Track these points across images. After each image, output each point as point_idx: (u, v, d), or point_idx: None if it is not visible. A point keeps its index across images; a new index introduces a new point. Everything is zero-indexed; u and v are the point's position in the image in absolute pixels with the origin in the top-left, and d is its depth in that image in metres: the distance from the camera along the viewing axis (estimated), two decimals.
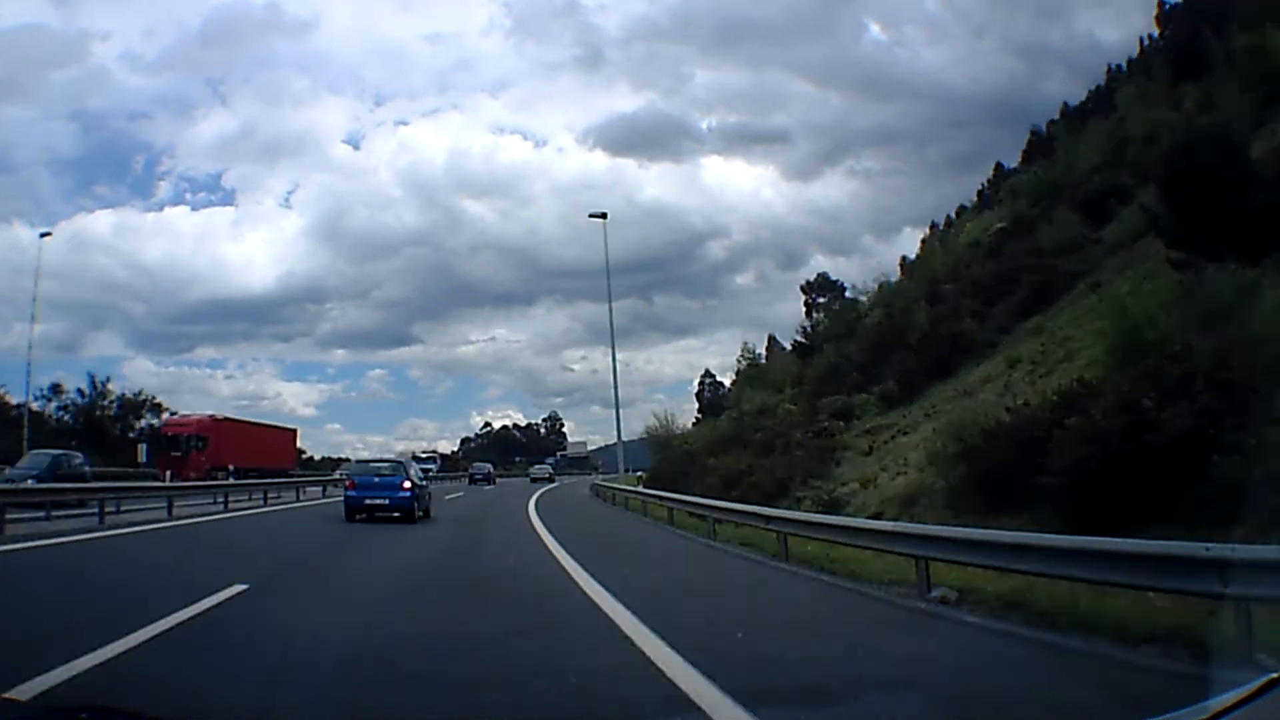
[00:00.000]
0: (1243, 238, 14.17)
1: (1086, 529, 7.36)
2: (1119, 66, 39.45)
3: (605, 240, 27.59)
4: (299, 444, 51.35)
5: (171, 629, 4.70)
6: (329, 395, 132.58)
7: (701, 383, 61.46)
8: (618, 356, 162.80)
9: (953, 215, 44.00)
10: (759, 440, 22.11)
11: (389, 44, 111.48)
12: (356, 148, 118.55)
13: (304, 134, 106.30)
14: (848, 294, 43.72)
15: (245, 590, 6.19)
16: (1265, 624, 3.67)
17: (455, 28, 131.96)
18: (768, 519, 9.37)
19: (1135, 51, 38.27)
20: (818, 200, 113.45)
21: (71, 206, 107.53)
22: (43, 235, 48.45)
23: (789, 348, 41.72)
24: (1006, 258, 24.88)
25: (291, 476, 33.33)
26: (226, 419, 37.28)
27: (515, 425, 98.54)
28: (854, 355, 28.26)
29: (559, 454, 77.36)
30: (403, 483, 15.32)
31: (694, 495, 17.90)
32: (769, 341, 47.99)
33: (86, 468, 18.67)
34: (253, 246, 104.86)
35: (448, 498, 26.15)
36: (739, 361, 47.90)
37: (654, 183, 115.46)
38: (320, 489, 27.07)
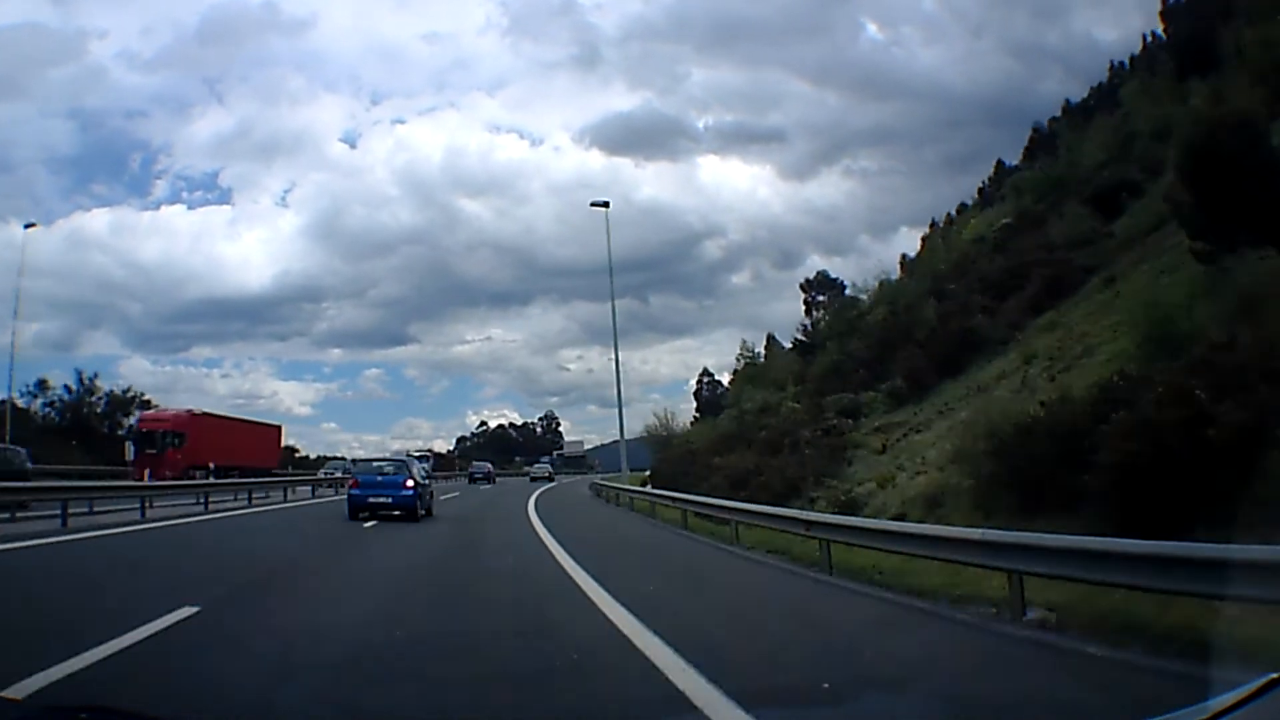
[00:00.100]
0: (1269, 225, 13.43)
1: (1136, 531, 6.56)
2: (1121, 63, 38.85)
3: (608, 229, 26.54)
4: (284, 441, 49.33)
5: (59, 680, 3.40)
6: (325, 394, 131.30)
7: (700, 382, 60.73)
8: (613, 357, 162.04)
9: (953, 213, 43.30)
10: (765, 439, 21.25)
11: (386, 43, 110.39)
12: (353, 146, 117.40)
13: (301, 133, 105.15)
14: (847, 292, 43.02)
15: (191, 616, 4.99)
16: None
17: (452, 27, 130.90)
18: (808, 524, 8.00)
19: (1138, 48, 37.60)
20: (814, 200, 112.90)
21: (69, 205, 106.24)
22: (27, 226, 46.54)
23: (789, 346, 40.91)
24: (1015, 253, 24.12)
25: (275, 475, 31.48)
26: (205, 414, 34.96)
27: (511, 424, 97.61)
28: (858, 353, 27.44)
29: (555, 453, 76.36)
30: (406, 481, 15.31)
31: (699, 495, 17.04)
32: (768, 340, 47.17)
33: (29, 465, 16.49)
34: (249, 245, 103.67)
35: (443, 498, 24.81)
36: (738, 360, 47.07)
37: (650, 182, 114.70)
38: (309, 489, 25.75)
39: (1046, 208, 26.44)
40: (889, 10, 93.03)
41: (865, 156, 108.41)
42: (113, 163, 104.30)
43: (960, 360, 21.18)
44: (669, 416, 43.27)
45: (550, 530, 12.30)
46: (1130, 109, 29.55)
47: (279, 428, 43.56)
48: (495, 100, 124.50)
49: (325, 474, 33.24)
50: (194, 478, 26.73)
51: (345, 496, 16.23)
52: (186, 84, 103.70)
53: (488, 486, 41.26)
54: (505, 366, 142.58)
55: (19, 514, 11.66)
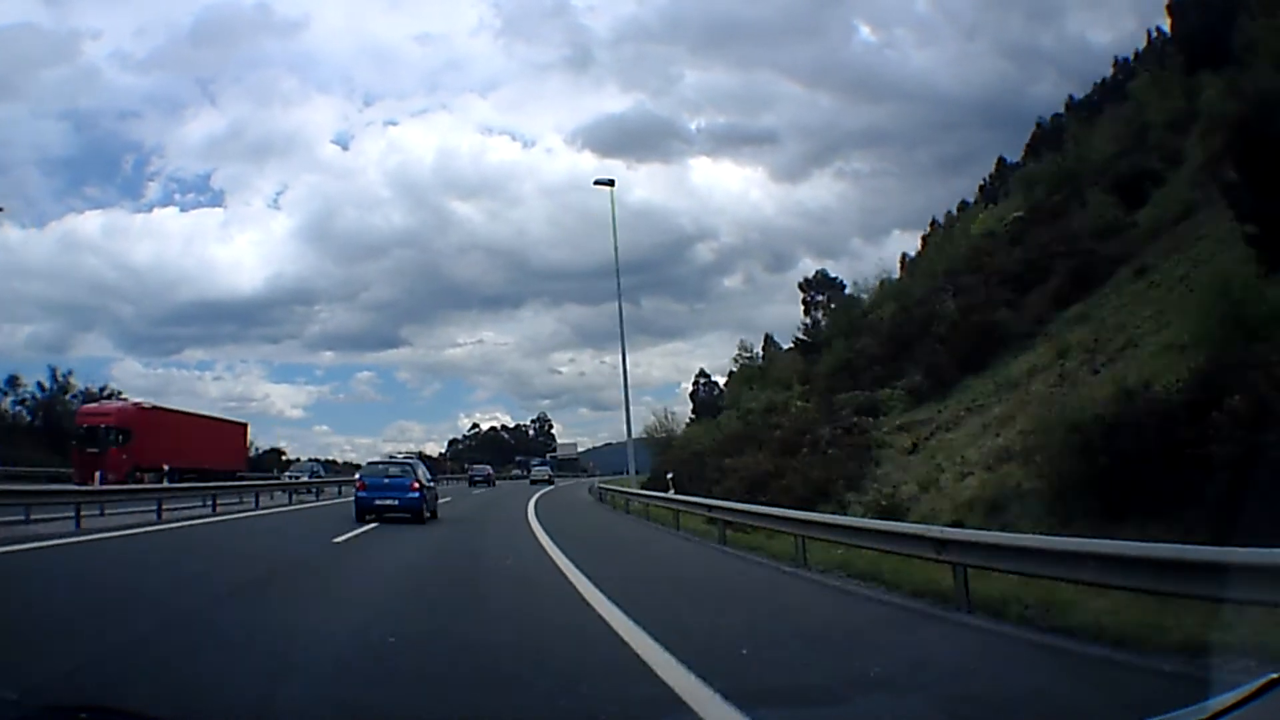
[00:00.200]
0: None
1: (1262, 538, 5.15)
2: (1126, 59, 38.10)
3: (613, 210, 24.72)
4: (276, 444, 46.66)
5: None
6: (317, 397, 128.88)
7: (696, 383, 59.29)
8: (606, 360, 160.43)
9: (954, 211, 42.29)
10: (779, 439, 19.77)
11: (378, 44, 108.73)
12: (345, 148, 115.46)
13: (293, 134, 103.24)
14: (847, 291, 41.88)
15: None
16: None
17: (445, 28, 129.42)
18: (940, 544, 5.43)
19: (1142, 45, 36.89)
20: (806, 202, 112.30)
21: (61, 207, 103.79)
22: None
23: (789, 346, 39.61)
24: (1034, 245, 22.87)
25: (243, 479, 27.66)
26: (156, 408, 30.60)
27: (504, 427, 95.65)
28: (869, 350, 26.07)
29: (549, 455, 74.54)
30: (412, 484, 15.37)
31: (709, 498, 15.52)
32: (765, 341, 45.90)
33: None
34: (241, 248, 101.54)
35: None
36: (735, 361, 45.72)
37: (642, 184, 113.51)
38: (287, 495, 22.94)
39: (1062, 200, 25.27)
40: (882, 12, 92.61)
41: (858, 158, 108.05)
42: (105, 164, 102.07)
43: (983, 355, 19.85)
44: (669, 418, 41.65)
45: (574, 561, 8.58)
46: (1142, 102, 28.56)
47: (244, 426, 39.43)
48: (487, 102, 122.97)
49: (291, 477, 30.14)
50: (142, 481, 23.81)
51: (319, 502, 16.59)
52: (179, 85, 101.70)
53: (480, 490, 39.49)
54: (497, 369, 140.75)
55: None
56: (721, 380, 57.06)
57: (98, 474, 23.07)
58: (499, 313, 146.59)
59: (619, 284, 24.06)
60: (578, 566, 7.91)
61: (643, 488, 30.27)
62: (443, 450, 78.85)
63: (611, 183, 24.53)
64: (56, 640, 4.25)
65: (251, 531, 12.81)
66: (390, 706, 3.39)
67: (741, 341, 46.81)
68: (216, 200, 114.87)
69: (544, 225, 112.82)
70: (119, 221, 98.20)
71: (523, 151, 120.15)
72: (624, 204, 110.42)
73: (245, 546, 10.57)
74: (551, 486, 43.03)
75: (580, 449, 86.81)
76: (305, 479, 29.21)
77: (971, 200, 41.84)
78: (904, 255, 43.19)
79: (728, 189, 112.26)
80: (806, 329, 38.52)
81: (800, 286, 44.65)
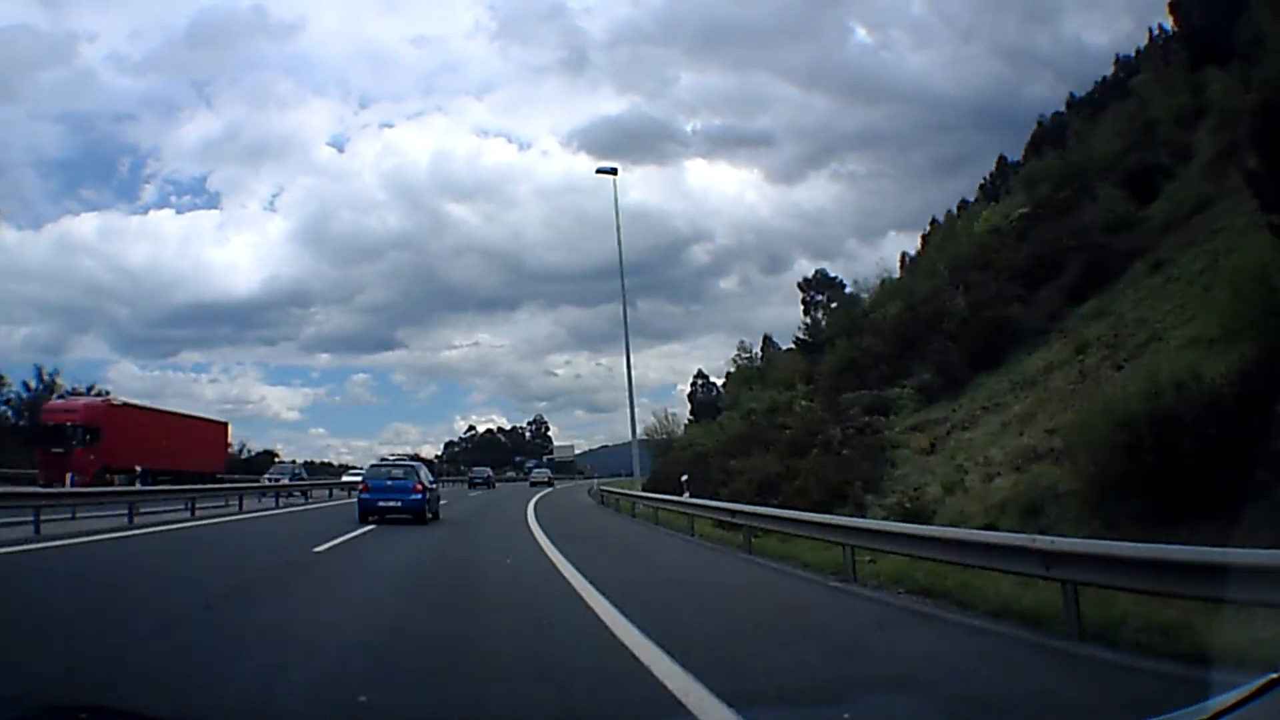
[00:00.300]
0: None
1: None
2: (1128, 57, 37.76)
3: (616, 200, 23.93)
4: (270, 446, 45.23)
5: None
6: (313, 399, 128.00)
7: (693, 384, 58.61)
8: (602, 362, 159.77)
9: (954, 210, 41.79)
10: (788, 438, 19.06)
11: (374, 46, 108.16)
12: (341, 150, 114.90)
13: (289, 137, 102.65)
14: (847, 291, 41.33)
15: None
16: None
17: (441, 30, 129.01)
18: (1048, 557, 4.48)
19: (1143, 43, 36.60)
20: (802, 204, 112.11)
21: (58, 209, 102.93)
22: None
23: (790, 347, 38.96)
24: (1043, 240, 22.28)
25: (221, 481, 26.22)
26: (126, 404, 28.68)
27: (500, 429, 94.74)
28: (874, 349, 25.43)
29: (545, 457, 73.68)
30: (414, 485, 15.34)
31: (732, 503, 14.77)
32: (764, 341, 45.27)
33: None
34: (237, 250, 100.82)
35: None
36: (734, 361, 45.07)
37: (638, 186, 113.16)
38: (274, 498, 21.60)
39: (1070, 195, 24.72)
40: (878, 14, 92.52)
41: (853, 160, 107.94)
42: (101, 166, 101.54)
43: (995, 352, 19.21)
44: (669, 418, 40.95)
45: (579, 568, 8.03)
46: (1146, 98, 28.10)
47: (224, 425, 36.75)
48: (483, 104, 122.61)
49: (270, 479, 27.93)
50: (112, 483, 22.21)
51: (307, 506, 16.20)
52: (175, 87, 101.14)
53: (474, 493, 38.69)
54: (493, 372, 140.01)
55: None
56: (719, 381, 56.42)
57: (69, 475, 21.64)
58: (495, 315, 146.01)
59: (623, 279, 23.28)
60: (601, 590, 6.42)
61: (643, 489, 29.51)
62: (439, 452, 77.92)
63: (614, 171, 23.77)
64: None
65: (226, 538, 11.61)
66: None
67: (741, 342, 46.26)
68: (212, 202, 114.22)
69: (540, 227, 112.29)
70: (115, 223, 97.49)
71: (518, 154, 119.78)
72: (620, 206, 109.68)
73: (213, 558, 9.18)
74: (551, 489, 42.71)
75: (577, 451, 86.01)
76: (285, 481, 27.24)
77: (972, 199, 41.35)
78: (904, 254, 42.74)
79: (723, 191, 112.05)
80: (807, 328, 37.89)
81: (800, 286, 44.09)
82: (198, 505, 15.66)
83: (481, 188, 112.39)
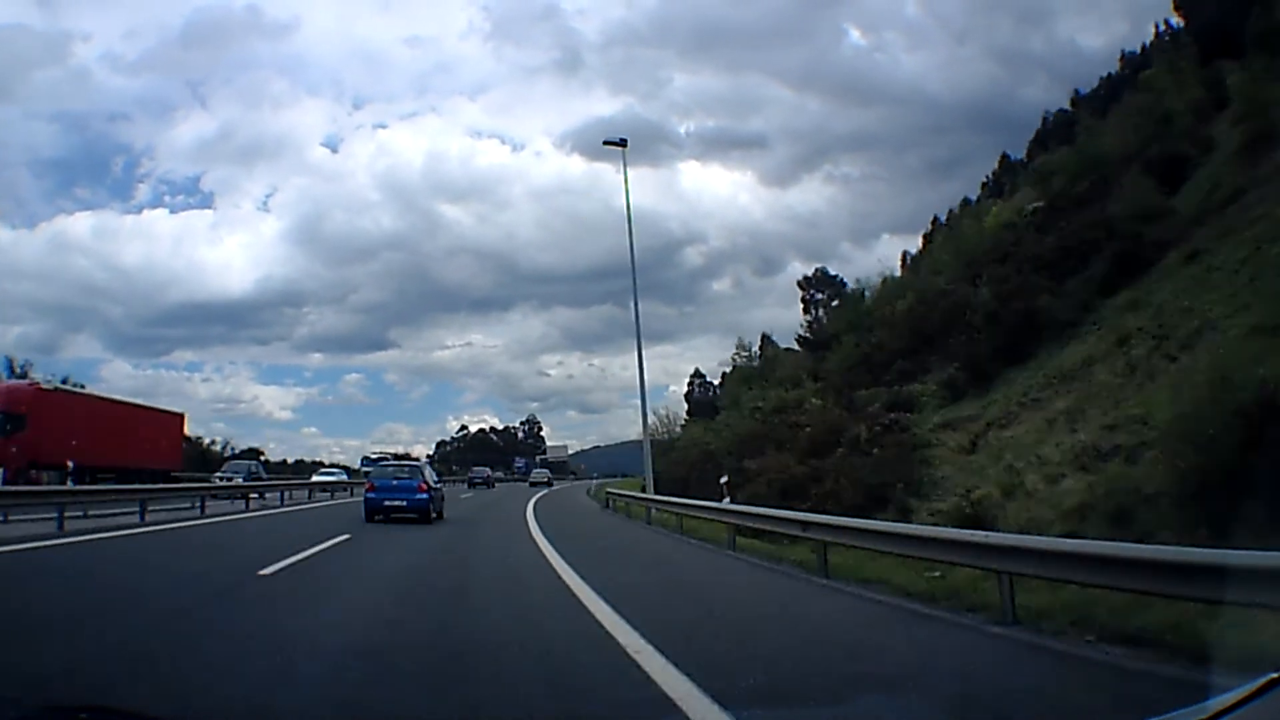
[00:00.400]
0: None
1: None
2: (1133, 53, 37.03)
3: (625, 175, 21.71)
4: (259, 445, 42.45)
5: None
6: (305, 399, 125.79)
7: (691, 383, 57.25)
8: (594, 363, 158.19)
9: (955, 209, 40.82)
10: (809, 436, 17.70)
11: (368, 46, 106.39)
12: (335, 151, 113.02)
13: (282, 137, 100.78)
14: (848, 289, 40.26)
15: None
16: None
17: (434, 31, 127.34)
18: None
19: (1149, 39, 35.95)
20: (795, 206, 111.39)
21: (52, 208, 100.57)
22: None
23: (795, 344, 37.74)
24: (1068, 232, 21.13)
25: (176, 480, 22.96)
26: (59, 390, 24.95)
27: (492, 429, 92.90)
28: (888, 344, 24.18)
29: (539, 457, 72.05)
30: (419, 485, 15.23)
31: (746, 506, 13.29)
32: (763, 340, 44.02)
33: None
34: (230, 250, 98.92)
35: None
36: (734, 360, 43.78)
37: (632, 187, 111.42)
38: (244, 500, 19.10)
39: (1089, 187, 23.63)
40: (872, 16, 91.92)
41: (847, 162, 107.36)
42: (95, 166, 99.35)
43: (1024, 346, 18.00)
44: (671, 417, 39.53)
45: (615, 606, 5.51)
46: (1160, 91, 27.20)
47: (180, 416, 31.97)
48: (477, 105, 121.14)
49: (222, 477, 24.04)
50: (39, 480, 19.07)
51: (282, 509, 14.53)
52: (170, 87, 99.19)
53: (467, 494, 37.13)
54: (485, 372, 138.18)
55: None
56: (718, 381, 55.15)
57: None
58: (487, 315, 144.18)
59: (634, 265, 21.47)
60: (642, 632, 4.46)
61: (643, 490, 27.99)
62: (430, 452, 75.99)
63: (623, 143, 21.77)
64: None
65: (159, 552, 9.19)
66: None
67: (740, 340, 45.08)
68: (206, 202, 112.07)
69: (533, 228, 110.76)
70: (109, 223, 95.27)
71: (512, 155, 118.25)
72: (612, 208, 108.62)
73: (115, 584, 6.52)
74: (551, 489, 41.66)
75: (570, 451, 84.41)
76: (239, 481, 23.14)
77: (974, 198, 40.41)
78: (905, 253, 41.74)
79: (716, 193, 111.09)
80: (810, 326, 36.67)
81: (800, 284, 42.91)
82: (153, 508, 13.67)
83: (475, 188, 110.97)
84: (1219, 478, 7.50)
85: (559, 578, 7.39)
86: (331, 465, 46.10)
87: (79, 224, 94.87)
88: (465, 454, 76.64)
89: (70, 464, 20.07)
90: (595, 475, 65.07)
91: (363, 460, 47.02)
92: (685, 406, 51.27)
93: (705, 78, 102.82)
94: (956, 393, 18.18)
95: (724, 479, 13.89)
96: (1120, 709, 3.31)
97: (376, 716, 3.24)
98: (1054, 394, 14.73)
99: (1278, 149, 17.96)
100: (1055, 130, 35.97)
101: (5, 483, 17.25)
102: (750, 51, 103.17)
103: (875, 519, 10.44)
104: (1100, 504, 8.73)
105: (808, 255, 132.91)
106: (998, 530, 7.57)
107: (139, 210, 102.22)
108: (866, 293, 34.40)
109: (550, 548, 10.15)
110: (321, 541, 9.95)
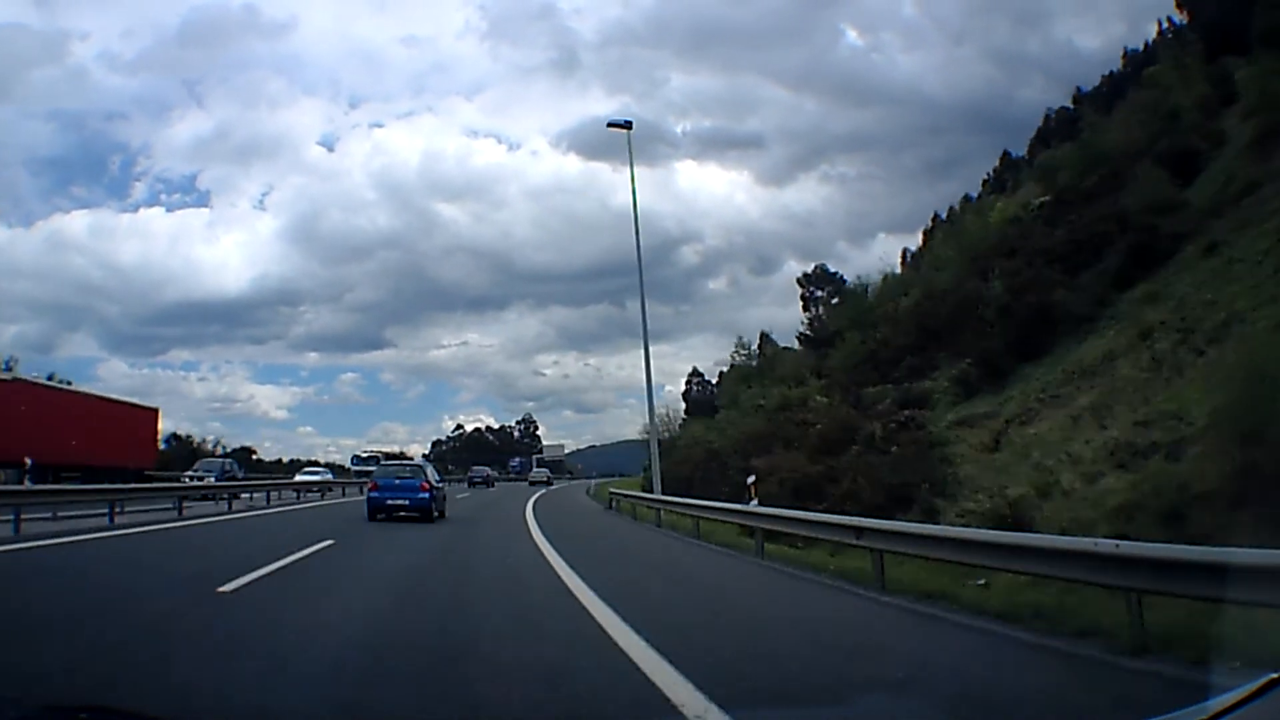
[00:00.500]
0: None
1: None
2: (1136, 51, 36.75)
3: (630, 155, 20.89)
4: (249, 443, 40.73)
5: None
6: (301, 398, 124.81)
7: (689, 382, 56.56)
8: (590, 362, 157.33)
9: (956, 206, 40.34)
10: (819, 434, 17.02)
11: (365, 46, 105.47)
12: (331, 150, 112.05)
13: (279, 136, 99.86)
14: (848, 285, 39.71)
15: None
16: None
17: (431, 30, 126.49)
18: None
19: (1152, 36, 35.69)
20: (792, 205, 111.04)
21: (48, 206, 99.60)
22: None
23: (786, 345, 37.16)
24: (1079, 225, 20.56)
25: (150, 480, 21.22)
26: (18, 380, 23.26)
27: (488, 428, 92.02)
28: (894, 340, 23.56)
29: (534, 457, 71.21)
30: (421, 484, 15.25)
31: (781, 509, 12.58)
32: (761, 339, 43.42)
33: None
34: (227, 249, 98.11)
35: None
36: (733, 358, 43.14)
37: (627, 186, 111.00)
38: (226, 501, 18.10)
39: (1098, 181, 23.10)
40: (869, 16, 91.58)
41: (843, 162, 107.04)
42: (92, 165, 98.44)
43: (1039, 341, 17.41)
44: (671, 416, 38.82)
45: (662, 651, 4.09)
46: (1167, 87, 26.79)
47: (154, 412, 29.46)
48: (473, 104, 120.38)
49: (192, 477, 22.51)
50: None
51: (269, 509, 14.04)
52: (166, 86, 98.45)
53: (476, 491, 36.53)
54: (481, 371, 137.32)
55: None
56: (713, 380, 54.53)
57: None
58: (483, 315, 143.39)
59: (639, 255, 20.61)
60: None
61: (643, 490, 27.20)
62: (426, 451, 74.99)
63: (628, 125, 20.92)
64: None
65: (115, 561, 8.08)
66: None
67: (739, 338, 44.47)
68: (203, 201, 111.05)
69: (529, 228, 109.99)
70: (105, 221, 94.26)
71: (508, 154, 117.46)
72: (609, 207, 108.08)
73: (51, 599, 5.55)
74: (551, 488, 40.94)
75: (565, 451, 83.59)
76: (212, 480, 21.60)
77: (974, 195, 39.95)
78: (905, 250, 41.24)
79: (713, 192, 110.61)
80: (810, 323, 36.07)
81: (799, 282, 42.34)
82: (131, 509, 12.77)
83: (471, 188, 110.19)
84: (1277, 473, 6.87)
85: (586, 611, 5.54)
86: (316, 464, 43.26)
87: (75, 223, 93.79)
88: (461, 453, 75.71)
89: (28, 461, 18.36)
90: (595, 475, 64.35)
91: (353, 459, 46.04)
92: (683, 405, 50.63)
93: (702, 77, 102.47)
94: (970, 389, 17.56)
95: (751, 479, 12.69)
96: None
97: None
98: (1075, 390, 14.12)
99: None
100: (1058, 128, 35.53)
101: None
102: (747, 51, 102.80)
103: (897, 519, 9.78)
104: (1147, 503, 8.08)
105: (804, 255, 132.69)
106: (1127, 540, 6.29)
107: (135, 209, 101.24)
108: (870, 289, 33.89)
109: (568, 569, 7.86)
110: (300, 549, 8.80)
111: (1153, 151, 22.73)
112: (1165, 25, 34.41)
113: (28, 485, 16.22)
